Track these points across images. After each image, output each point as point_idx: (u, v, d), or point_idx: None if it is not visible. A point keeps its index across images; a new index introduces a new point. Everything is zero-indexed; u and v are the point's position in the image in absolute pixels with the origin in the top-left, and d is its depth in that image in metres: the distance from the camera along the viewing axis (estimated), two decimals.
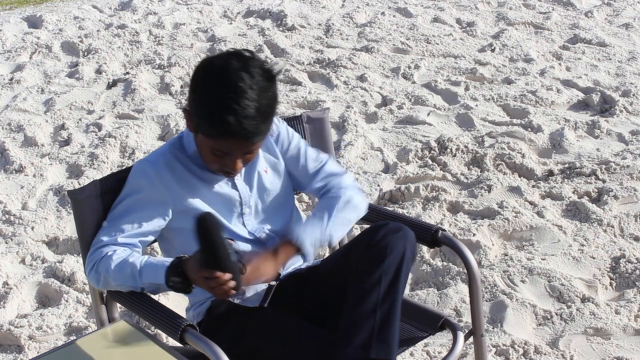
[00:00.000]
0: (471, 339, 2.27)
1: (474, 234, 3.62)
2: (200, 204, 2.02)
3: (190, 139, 2.02)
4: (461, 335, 2.12)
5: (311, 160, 2.21)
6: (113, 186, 2.07)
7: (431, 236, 2.19)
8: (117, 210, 2.02)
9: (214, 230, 1.80)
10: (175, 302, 3.20)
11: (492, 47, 6.25)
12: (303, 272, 2.16)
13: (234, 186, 2.07)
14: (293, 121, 2.38)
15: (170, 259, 1.92)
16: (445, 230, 2.20)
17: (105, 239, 1.99)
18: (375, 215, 2.33)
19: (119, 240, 1.99)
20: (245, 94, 1.83)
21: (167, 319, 1.91)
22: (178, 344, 1.90)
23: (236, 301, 2.04)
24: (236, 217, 2.09)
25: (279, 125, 2.17)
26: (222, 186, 2.06)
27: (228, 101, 1.83)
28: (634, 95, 5.18)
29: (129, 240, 2.00)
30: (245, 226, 2.11)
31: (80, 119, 5.24)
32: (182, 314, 2.04)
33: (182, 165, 2.02)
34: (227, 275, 1.79)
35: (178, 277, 1.88)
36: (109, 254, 1.97)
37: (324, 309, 2.07)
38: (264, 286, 2.06)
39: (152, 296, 2.02)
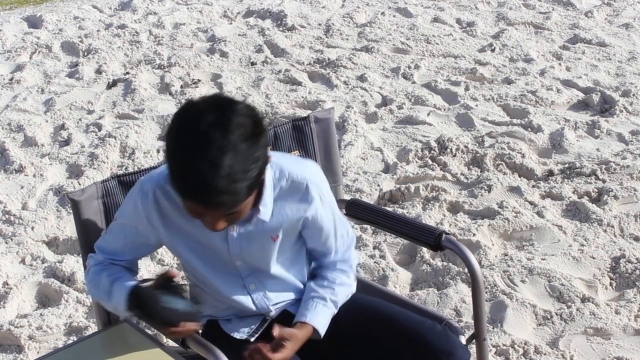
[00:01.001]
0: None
1: (474, 234, 3.62)
2: (187, 252, 1.92)
3: None
4: (463, 339, 2.12)
5: (330, 242, 2.02)
6: (113, 188, 2.06)
7: (434, 240, 2.18)
8: (113, 227, 1.96)
9: (151, 306, 1.78)
10: None
11: (492, 47, 6.25)
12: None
13: (225, 240, 1.89)
14: (300, 122, 2.37)
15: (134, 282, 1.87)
16: (449, 234, 2.19)
17: (97, 253, 1.97)
18: (375, 216, 2.33)
19: (109, 257, 1.96)
20: (210, 159, 1.55)
21: None
22: (179, 346, 1.90)
23: (226, 329, 2.01)
24: (234, 277, 1.96)
25: (315, 205, 1.92)
26: (212, 235, 1.86)
27: (190, 165, 1.56)
28: (634, 95, 5.18)
29: (118, 258, 1.96)
30: (249, 293, 1.99)
31: (80, 119, 5.24)
32: None
33: (172, 205, 1.84)
34: (180, 328, 1.77)
35: (138, 309, 1.82)
36: (93, 269, 1.96)
37: (319, 352, 2.02)
38: (257, 321, 2.02)
39: None
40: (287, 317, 2.03)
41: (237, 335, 1.99)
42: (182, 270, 2.07)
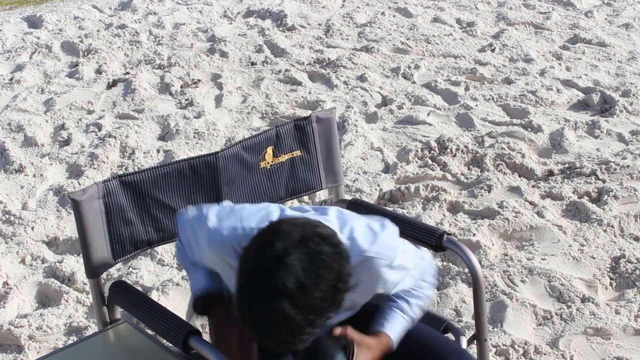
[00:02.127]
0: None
1: (474, 234, 3.62)
2: None
3: None
4: (464, 340, 2.12)
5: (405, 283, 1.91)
6: (114, 188, 2.06)
7: (436, 240, 2.17)
8: (194, 239, 1.85)
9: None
10: (175, 302, 3.20)
11: (492, 47, 6.25)
12: None
13: None
14: (302, 122, 2.37)
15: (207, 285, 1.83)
16: (450, 235, 2.19)
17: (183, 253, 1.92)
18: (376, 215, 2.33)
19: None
20: (281, 312, 1.44)
21: (169, 325, 1.90)
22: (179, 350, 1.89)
23: None
24: None
25: (385, 281, 1.80)
26: None
27: (260, 316, 1.47)
28: (634, 95, 5.18)
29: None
30: None
31: (80, 119, 5.24)
32: (182, 315, 2.04)
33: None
34: None
35: (202, 310, 1.80)
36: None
37: None
38: None
39: (154, 298, 2.01)
40: None
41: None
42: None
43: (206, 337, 1.91)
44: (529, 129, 4.77)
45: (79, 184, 4.29)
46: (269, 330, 1.47)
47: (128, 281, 3.34)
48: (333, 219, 1.73)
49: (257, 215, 1.75)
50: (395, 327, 1.87)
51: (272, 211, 1.77)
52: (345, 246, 1.54)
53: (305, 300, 1.45)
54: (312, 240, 1.49)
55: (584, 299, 3.18)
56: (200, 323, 2.19)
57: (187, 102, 5.42)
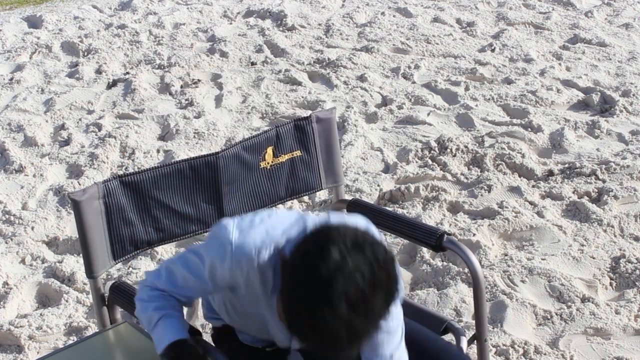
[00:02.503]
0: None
1: (474, 234, 3.62)
2: (242, 318, 1.85)
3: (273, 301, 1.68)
4: (464, 340, 2.12)
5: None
6: (115, 189, 2.06)
7: (436, 240, 2.17)
8: (179, 269, 1.78)
9: None
10: None
11: (492, 47, 6.25)
12: None
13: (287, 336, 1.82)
14: (302, 122, 2.37)
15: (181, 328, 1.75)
16: (450, 235, 2.19)
17: (157, 282, 1.83)
18: (376, 216, 2.33)
19: (167, 289, 1.82)
20: (356, 314, 1.41)
21: None
22: None
23: (241, 337, 1.97)
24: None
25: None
26: (275, 327, 1.81)
27: (330, 339, 1.42)
28: (634, 95, 5.18)
29: (180, 293, 1.81)
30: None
31: (80, 119, 5.24)
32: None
33: (261, 287, 1.71)
34: None
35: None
36: (149, 292, 1.84)
37: None
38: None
39: None
40: None
41: (247, 342, 1.97)
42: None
43: (206, 337, 1.91)
44: (529, 129, 4.77)
45: (79, 184, 4.29)
46: (329, 338, 1.42)
47: (128, 281, 3.34)
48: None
49: (283, 224, 1.69)
50: None
51: (303, 218, 1.71)
52: (392, 251, 1.52)
53: (367, 305, 1.42)
54: (367, 243, 1.46)
55: (584, 299, 3.18)
56: (201, 323, 2.19)
57: (187, 102, 5.42)
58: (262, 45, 6.48)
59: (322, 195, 4.03)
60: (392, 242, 3.63)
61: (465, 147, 4.53)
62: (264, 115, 5.18)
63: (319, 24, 7.05)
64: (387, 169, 4.43)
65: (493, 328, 3.05)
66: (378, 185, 4.16)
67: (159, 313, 1.77)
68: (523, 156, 4.39)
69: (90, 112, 5.35)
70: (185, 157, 2.32)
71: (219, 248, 1.67)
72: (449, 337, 2.17)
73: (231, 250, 1.65)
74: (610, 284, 3.32)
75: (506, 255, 3.52)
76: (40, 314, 3.24)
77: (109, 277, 3.45)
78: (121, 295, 2.08)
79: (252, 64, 6.14)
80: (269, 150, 2.32)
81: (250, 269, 1.66)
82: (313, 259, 1.44)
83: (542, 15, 7.01)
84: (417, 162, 4.46)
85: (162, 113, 5.23)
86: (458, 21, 7.02)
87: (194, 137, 4.86)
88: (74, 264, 3.58)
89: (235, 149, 2.25)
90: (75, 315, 3.24)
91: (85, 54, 6.50)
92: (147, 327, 1.80)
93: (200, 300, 2.17)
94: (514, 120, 4.92)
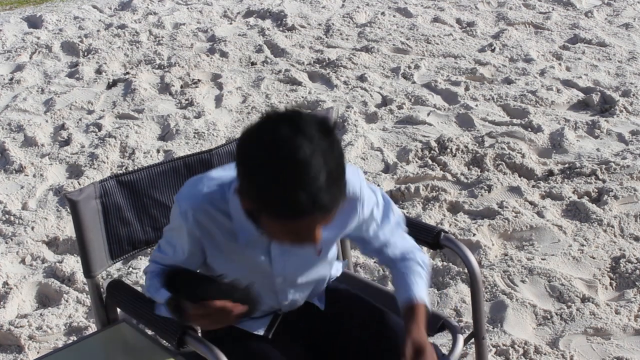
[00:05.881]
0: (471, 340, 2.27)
1: (474, 234, 3.62)
2: (224, 268, 1.89)
3: (236, 203, 1.75)
4: (461, 338, 2.11)
5: (384, 233, 1.99)
6: (112, 188, 2.05)
7: (433, 238, 2.17)
8: (166, 237, 1.92)
9: (205, 280, 1.76)
10: None
11: (492, 47, 6.25)
12: (316, 307, 2.08)
13: (267, 258, 1.88)
14: None
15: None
16: (447, 233, 2.18)
17: (157, 256, 1.93)
18: None
19: (166, 262, 1.91)
20: (310, 165, 1.51)
21: (165, 322, 1.89)
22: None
23: (240, 325, 1.98)
24: (268, 287, 1.94)
25: (362, 205, 1.90)
26: (255, 254, 1.87)
27: (293, 179, 1.51)
28: (634, 95, 5.18)
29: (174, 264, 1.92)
30: (279, 301, 1.98)
31: (80, 119, 5.24)
32: None
33: (214, 223, 1.81)
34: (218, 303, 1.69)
35: (175, 311, 1.79)
36: (151, 272, 1.92)
37: (334, 344, 2.02)
38: (271, 315, 2.01)
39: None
40: (304, 312, 2.04)
41: (252, 330, 1.99)
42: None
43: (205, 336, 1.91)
44: (529, 129, 4.76)
45: (79, 184, 4.29)
46: (308, 195, 1.51)
47: (127, 281, 3.34)
48: None
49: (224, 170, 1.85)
50: (422, 291, 1.92)
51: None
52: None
53: (331, 158, 1.55)
54: (309, 119, 1.58)
55: (584, 299, 3.18)
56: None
57: (187, 102, 5.42)
58: (262, 45, 6.48)
59: None
60: None
61: (465, 147, 4.53)
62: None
63: (319, 24, 7.05)
64: (387, 169, 4.43)
65: (493, 328, 3.05)
66: (378, 185, 4.16)
67: (155, 286, 1.86)
68: (523, 156, 4.39)
69: (90, 112, 5.35)
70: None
71: (176, 209, 1.83)
72: (445, 335, 2.17)
73: (185, 202, 1.80)
74: (610, 284, 3.32)
75: (506, 255, 3.52)
76: (40, 314, 3.24)
77: (109, 276, 3.45)
78: (119, 294, 2.08)
79: (252, 64, 6.14)
80: None
81: (207, 207, 1.78)
82: (266, 134, 1.56)
83: (542, 15, 7.01)
84: (417, 162, 4.46)
85: (162, 113, 5.23)
86: (458, 21, 7.02)
87: (194, 137, 4.86)
88: (74, 264, 3.58)
89: (230, 147, 2.25)
90: (75, 315, 3.23)
91: (85, 54, 6.50)
92: (155, 295, 1.88)
93: None
94: (514, 120, 4.92)
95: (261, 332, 1.99)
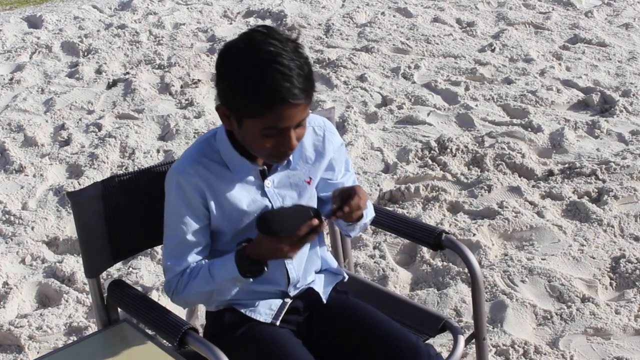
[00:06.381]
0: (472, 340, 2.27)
1: (474, 234, 3.62)
2: (227, 221, 1.95)
3: (223, 140, 1.91)
4: (462, 339, 2.11)
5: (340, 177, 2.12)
6: (113, 188, 2.05)
7: (434, 239, 2.17)
8: (170, 231, 1.95)
9: (275, 224, 1.83)
10: None
11: (492, 47, 6.25)
12: (318, 299, 2.11)
13: (264, 194, 1.96)
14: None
15: (232, 251, 1.90)
16: (448, 233, 2.18)
17: (172, 264, 1.95)
18: (375, 216, 2.33)
19: (188, 259, 1.94)
20: (282, 56, 1.72)
21: (166, 323, 1.89)
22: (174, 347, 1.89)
23: (247, 313, 2.01)
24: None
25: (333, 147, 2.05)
26: (252, 193, 1.95)
27: (269, 66, 1.71)
28: (634, 95, 5.18)
29: (195, 256, 1.95)
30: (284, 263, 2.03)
31: (80, 119, 5.24)
32: (182, 315, 2.03)
33: (211, 173, 1.91)
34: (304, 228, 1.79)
35: (248, 259, 1.84)
36: (185, 274, 1.93)
37: (329, 342, 2.05)
38: (278, 302, 2.04)
39: (154, 299, 2.00)
40: (309, 298, 2.07)
41: (260, 318, 2.01)
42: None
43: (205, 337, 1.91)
44: (529, 129, 4.76)
45: (79, 184, 4.29)
46: (284, 78, 1.70)
47: (128, 281, 3.34)
48: None
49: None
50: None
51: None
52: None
53: (300, 56, 1.77)
54: (275, 28, 1.82)
55: (584, 299, 3.18)
56: (201, 323, 2.18)
57: (187, 102, 5.42)
58: None
59: None
60: (392, 242, 3.63)
61: (465, 147, 4.53)
62: None
63: (319, 24, 7.05)
64: (387, 169, 4.43)
65: (493, 328, 3.05)
66: (378, 185, 4.16)
67: (206, 266, 1.90)
68: (523, 156, 4.39)
69: (90, 112, 5.35)
70: None
71: (168, 183, 1.93)
72: (446, 335, 2.17)
73: (173, 174, 1.92)
74: (610, 284, 3.32)
75: (506, 255, 3.52)
76: (40, 314, 3.24)
77: (109, 276, 3.45)
78: (120, 294, 2.08)
79: None
80: None
81: (199, 159, 1.91)
82: (240, 41, 1.78)
83: (542, 15, 7.01)
84: (417, 162, 4.46)
85: (162, 113, 5.23)
86: (458, 21, 7.02)
87: (194, 137, 4.86)
88: (74, 264, 3.58)
89: None
90: (75, 315, 3.23)
91: (85, 54, 6.50)
92: (208, 285, 1.90)
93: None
94: (514, 120, 4.92)
95: (269, 320, 2.01)
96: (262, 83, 1.71)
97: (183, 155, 1.96)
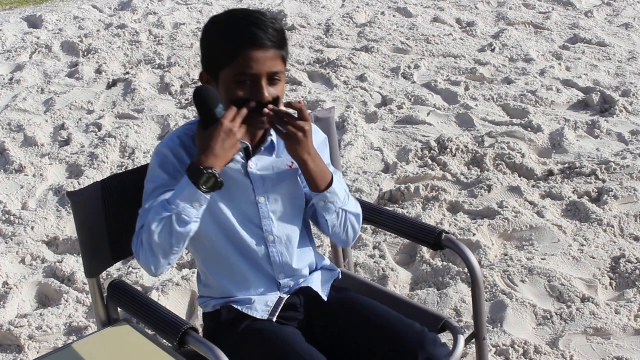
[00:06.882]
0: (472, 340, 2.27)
1: (474, 234, 3.62)
2: (218, 199, 1.96)
3: None
4: (462, 339, 2.11)
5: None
6: (113, 188, 2.05)
7: (435, 239, 2.17)
8: (148, 197, 1.94)
9: (205, 94, 1.86)
10: (175, 301, 3.20)
11: (492, 47, 6.25)
12: (314, 294, 2.11)
13: (247, 174, 1.99)
14: None
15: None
16: (448, 233, 2.18)
17: (141, 223, 1.93)
18: (375, 216, 2.33)
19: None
20: (257, 14, 1.90)
21: (166, 323, 1.89)
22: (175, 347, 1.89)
23: (244, 310, 2.02)
24: (251, 205, 2.01)
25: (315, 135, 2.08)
26: (234, 172, 1.97)
27: (243, 18, 1.88)
28: (634, 95, 5.18)
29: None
30: (267, 246, 2.03)
31: (80, 119, 5.24)
32: (182, 315, 2.03)
33: (195, 150, 1.92)
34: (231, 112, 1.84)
35: (199, 167, 1.83)
36: (144, 224, 1.91)
37: (331, 338, 2.05)
38: (274, 298, 2.04)
39: (154, 298, 2.00)
40: (307, 294, 2.07)
41: (256, 315, 2.01)
42: (192, 247, 2.05)
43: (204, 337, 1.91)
44: (529, 129, 4.77)
45: (79, 184, 4.29)
46: (258, 25, 1.87)
47: (128, 281, 3.34)
48: None
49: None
50: (336, 176, 2.02)
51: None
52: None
53: (277, 22, 1.94)
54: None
55: (584, 299, 3.18)
56: (200, 323, 2.18)
57: (187, 102, 5.42)
58: None
59: None
60: (392, 242, 3.63)
61: (465, 147, 4.53)
62: None
63: (319, 24, 7.05)
64: (387, 169, 4.43)
65: (493, 328, 3.05)
66: (378, 185, 4.16)
67: (161, 202, 1.88)
68: (523, 156, 4.39)
69: (90, 112, 5.35)
70: None
71: (153, 165, 1.96)
72: (446, 335, 2.17)
73: (160, 143, 1.98)
74: (610, 284, 3.32)
75: (506, 255, 3.52)
76: (40, 314, 3.24)
77: (109, 276, 3.45)
78: (120, 294, 2.08)
79: None
80: None
81: (183, 139, 1.97)
82: (221, 15, 1.93)
83: (542, 15, 7.01)
84: (417, 162, 4.46)
85: (162, 113, 5.23)
86: (458, 21, 7.02)
87: None
88: (74, 264, 3.58)
89: None
90: (75, 315, 3.23)
91: (85, 54, 6.50)
92: (166, 211, 1.85)
93: (198, 297, 2.18)
94: (514, 120, 4.92)
95: (265, 317, 2.01)
96: (234, 29, 1.86)
97: (169, 135, 2.02)
